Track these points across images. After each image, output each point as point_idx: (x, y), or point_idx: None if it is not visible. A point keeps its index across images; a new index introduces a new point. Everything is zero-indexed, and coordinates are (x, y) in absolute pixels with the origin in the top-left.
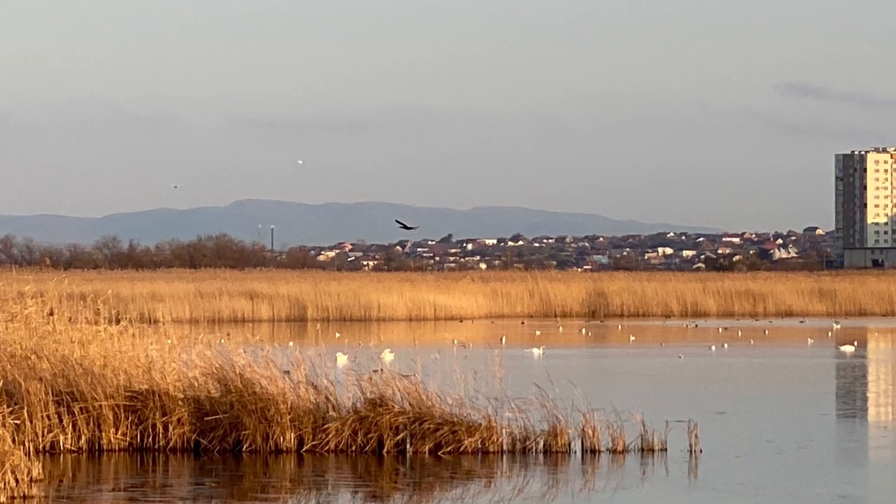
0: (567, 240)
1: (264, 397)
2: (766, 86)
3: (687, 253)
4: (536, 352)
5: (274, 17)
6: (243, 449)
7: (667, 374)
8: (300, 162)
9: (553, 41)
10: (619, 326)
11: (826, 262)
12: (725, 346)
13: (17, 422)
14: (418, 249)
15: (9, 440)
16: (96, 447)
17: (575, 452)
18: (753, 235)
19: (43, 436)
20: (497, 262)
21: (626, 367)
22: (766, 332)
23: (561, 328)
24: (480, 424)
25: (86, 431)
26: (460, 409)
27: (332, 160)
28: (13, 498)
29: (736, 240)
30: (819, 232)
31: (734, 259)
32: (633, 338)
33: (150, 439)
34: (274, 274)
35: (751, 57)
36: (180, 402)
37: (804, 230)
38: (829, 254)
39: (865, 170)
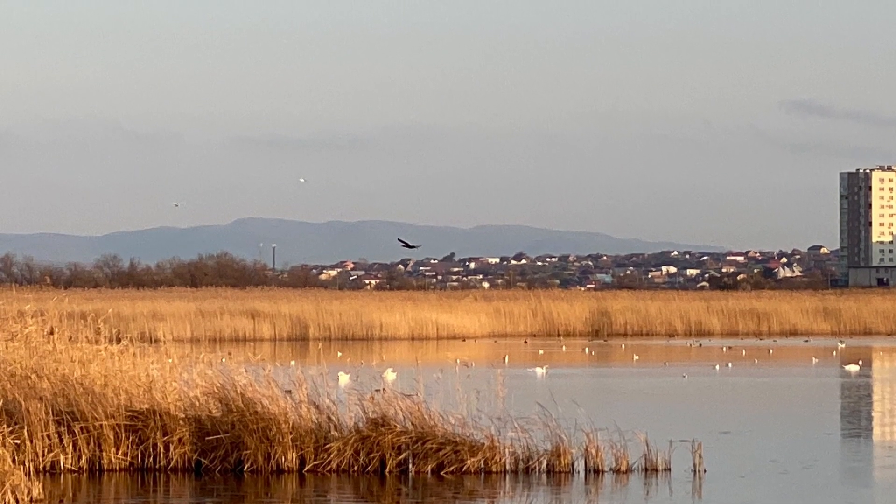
0: (570, 258)
1: (266, 417)
2: (771, 104)
3: (691, 272)
4: (539, 371)
5: (275, 34)
6: (245, 469)
7: (670, 394)
8: (302, 180)
9: (556, 59)
10: (623, 345)
11: (831, 281)
12: (729, 365)
13: (18, 441)
14: (421, 268)
15: (9, 460)
16: (97, 467)
17: (578, 472)
18: (758, 254)
19: (43, 455)
20: (500, 280)
21: (629, 386)
22: (771, 351)
23: (564, 347)
24: (483, 444)
25: (86, 451)
26: (463, 429)
27: (333, 178)
28: None
29: (740, 258)
30: (824, 251)
31: (738, 278)
32: (636, 357)
33: (151, 459)
34: (275, 293)
35: (755, 75)
36: (181, 422)
37: (809, 249)
38: (833, 272)
39: (870, 188)
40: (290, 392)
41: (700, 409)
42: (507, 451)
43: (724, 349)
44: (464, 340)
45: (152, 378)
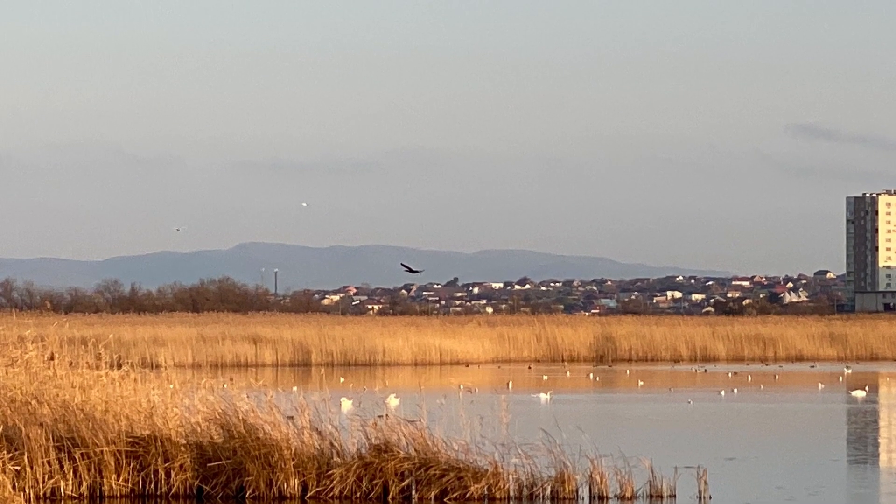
0: (574, 283)
1: (268, 443)
2: (777, 127)
3: (696, 297)
4: (543, 397)
5: (277, 58)
6: (246, 495)
7: (676, 420)
8: (304, 204)
9: (560, 82)
10: (628, 371)
11: (837, 306)
12: (735, 391)
13: (18, 468)
14: (424, 293)
15: (9, 486)
16: (97, 494)
17: (582, 499)
18: (763, 279)
19: (43, 482)
20: (504, 305)
21: (634, 412)
22: (777, 376)
23: (568, 373)
24: (487, 470)
25: (87, 477)
26: (466, 455)
27: (336, 202)
28: None
29: (746, 283)
30: (830, 275)
31: (744, 303)
32: (641, 383)
33: (153, 485)
34: (277, 318)
35: (761, 98)
36: (182, 448)
37: (815, 274)
38: (840, 298)
39: (877, 212)
40: (292, 418)
41: (705, 435)
42: (510, 477)
43: (730, 375)
44: (467, 366)
45: (153, 404)
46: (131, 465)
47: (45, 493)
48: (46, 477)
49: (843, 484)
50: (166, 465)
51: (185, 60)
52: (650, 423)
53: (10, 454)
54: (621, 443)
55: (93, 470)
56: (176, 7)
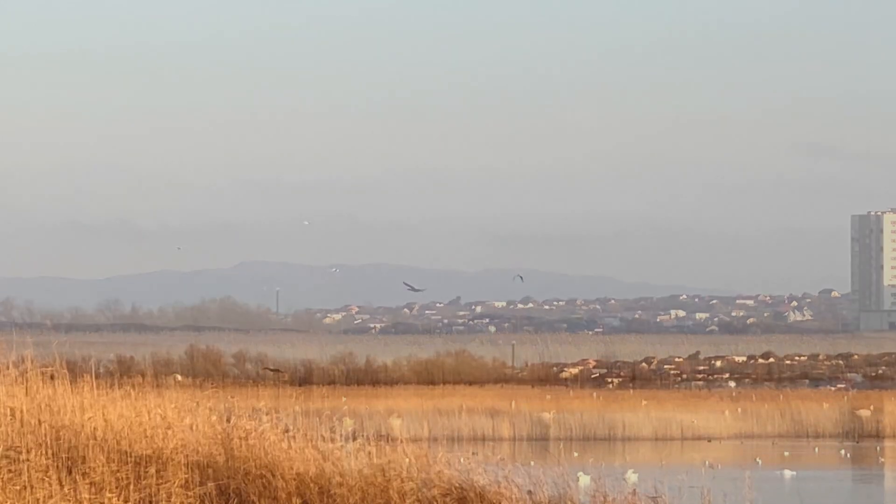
0: (578, 302)
1: (269, 464)
2: (782, 145)
3: (700, 315)
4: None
5: (279, 75)
6: None
7: None
8: (306, 223)
9: (562, 100)
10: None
11: (842, 325)
12: None
13: (17, 488)
14: (426, 312)
15: None
16: None
17: None
18: (768, 298)
19: (43, 502)
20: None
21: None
22: None
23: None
24: None
25: (86, 497)
26: None
27: (338, 221)
28: None
29: (750, 302)
30: (835, 294)
31: (748, 322)
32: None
33: None
34: (280, 337)
35: (765, 116)
36: (183, 468)
37: (820, 292)
38: (844, 316)
39: (882, 231)
40: (288, 432)
41: None
42: None
43: None
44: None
45: (154, 423)
46: (132, 485)
47: None
48: (46, 497)
49: None
50: (167, 485)
51: (186, 76)
52: None
53: (9, 475)
54: None
55: (93, 490)
56: (176, 24)
